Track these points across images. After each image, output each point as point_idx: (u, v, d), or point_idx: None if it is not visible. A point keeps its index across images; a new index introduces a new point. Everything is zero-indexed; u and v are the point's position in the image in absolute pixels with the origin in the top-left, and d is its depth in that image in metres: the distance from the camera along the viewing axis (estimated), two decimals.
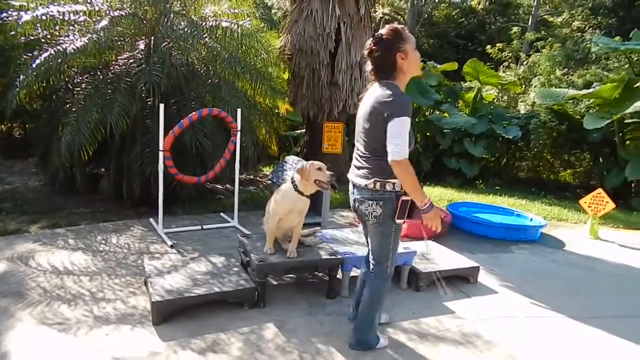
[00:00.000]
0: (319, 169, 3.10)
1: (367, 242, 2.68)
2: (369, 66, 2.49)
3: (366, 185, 2.45)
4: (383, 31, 2.43)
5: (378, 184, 2.41)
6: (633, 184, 8.74)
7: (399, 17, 22.05)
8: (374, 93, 2.43)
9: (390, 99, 2.31)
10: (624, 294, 3.93)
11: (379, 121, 2.34)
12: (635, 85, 8.22)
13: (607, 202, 5.63)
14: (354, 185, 2.57)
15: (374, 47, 2.41)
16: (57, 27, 4.90)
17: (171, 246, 4.19)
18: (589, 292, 3.91)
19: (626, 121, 9.23)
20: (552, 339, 3.04)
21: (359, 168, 2.54)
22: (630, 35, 9.17)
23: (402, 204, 2.42)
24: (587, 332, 3.17)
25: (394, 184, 2.40)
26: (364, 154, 2.49)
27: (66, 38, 4.79)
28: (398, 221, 2.47)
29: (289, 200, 3.18)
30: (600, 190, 5.80)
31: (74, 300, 3.10)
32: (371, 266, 2.64)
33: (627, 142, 9.51)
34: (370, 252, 2.65)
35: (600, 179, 9.56)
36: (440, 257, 3.97)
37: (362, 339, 2.69)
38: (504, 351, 2.83)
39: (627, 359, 2.87)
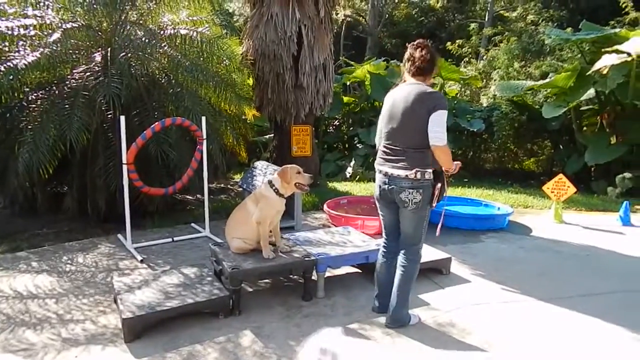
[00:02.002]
0: (298, 172, 3.36)
1: (395, 229, 2.99)
2: (410, 66, 2.84)
3: (407, 175, 2.75)
4: (426, 43, 2.87)
5: (419, 173, 2.73)
6: (592, 168, 9.12)
7: (361, 18, 22.32)
8: (409, 91, 2.76)
9: (433, 94, 2.73)
10: (588, 273, 4.09)
11: (422, 115, 2.68)
12: (587, 74, 8.59)
13: (568, 186, 5.85)
14: (390, 176, 2.83)
15: (426, 53, 2.81)
16: (7, 43, 4.70)
17: (141, 261, 4.08)
18: (556, 274, 4.06)
19: (582, 108, 9.66)
20: (525, 322, 3.13)
21: (396, 161, 2.81)
22: (580, 26, 9.59)
23: (439, 190, 2.80)
24: (557, 313, 3.28)
25: (430, 172, 2.77)
26: (403, 147, 2.79)
27: (17, 53, 4.61)
28: (433, 205, 2.84)
29: (273, 204, 3.34)
30: (561, 175, 6.03)
31: (40, 324, 2.97)
32: (403, 249, 2.94)
33: (584, 128, 9.94)
34: (404, 237, 2.95)
35: (561, 165, 9.94)
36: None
37: (398, 317, 2.96)
38: (480, 338, 2.89)
39: (594, 335, 2.99)
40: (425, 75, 2.85)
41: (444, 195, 2.88)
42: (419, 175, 2.73)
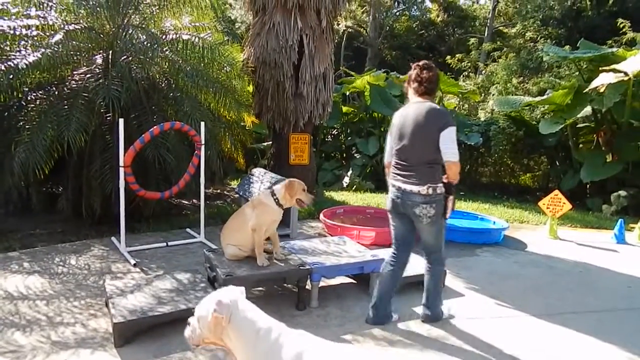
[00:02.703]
0: (304, 189, 3.41)
1: (404, 240, 3.15)
2: (417, 86, 2.97)
3: (419, 191, 2.87)
4: (431, 64, 3.03)
5: (430, 189, 2.86)
6: (588, 185, 9.16)
7: (362, 29, 22.52)
8: (418, 110, 2.90)
9: (442, 111, 2.93)
10: (582, 290, 4.09)
11: (432, 132, 2.82)
12: (584, 91, 8.67)
13: (564, 203, 5.88)
14: (403, 192, 2.95)
15: (433, 75, 2.97)
16: (8, 42, 4.70)
17: (134, 265, 4.05)
18: (550, 290, 4.05)
19: (578, 125, 9.73)
20: (517, 338, 3.12)
21: (408, 176, 2.94)
22: (578, 45, 9.71)
23: (451, 202, 2.95)
24: (549, 329, 3.28)
25: (441, 187, 2.90)
26: (415, 163, 2.92)
27: (18, 53, 4.61)
28: (447, 216, 2.98)
29: (271, 212, 3.36)
30: (557, 192, 6.06)
31: (29, 326, 2.94)
32: (427, 258, 3.16)
33: (580, 145, 10.01)
34: (425, 248, 3.14)
35: (557, 182, 9.99)
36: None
37: (434, 314, 3.21)
38: (472, 352, 2.88)
39: (586, 353, 2.98)
40: (432, 94, 3.03)
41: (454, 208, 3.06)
42: (430, 191, 2.86)
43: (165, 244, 4.64)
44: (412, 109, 2.95)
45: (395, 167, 3.04)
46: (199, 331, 1.77)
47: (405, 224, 3.09)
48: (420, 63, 3.03)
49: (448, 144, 2.81)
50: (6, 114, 5.13)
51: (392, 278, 3.16)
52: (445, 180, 2.95)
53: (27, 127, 4.58)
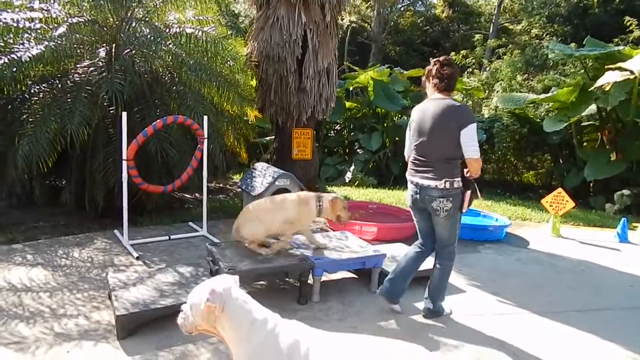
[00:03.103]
0: (344, 207, 3.51)
1: (428, 234, 3.18)
2: (438, 82, 2.98)
3: (436, 185, 2.91)
4: (451, 60, 3.04)
5: (448, 183, 2.90)
6: (591, 184, 9.14)
7: (366, 24, 22.42)
8: (438, 107, 2.91)
9: (462, 108, 2.92)
10: (583, 288, 4.08)
11: (452, 129, 2.84)
12: (589, 89, 8.63)
13: (567, 201, 5.86)
14: (421, 187, 3.00)
15: (451, 70, 2.97)
16: (11, 35, 4.70)
17: (137, 258, 4.07)
18: (551, 288, 4.05)
19: (583, 124, 9.70)
20: (518, 335, 3.12)
21: (425, 172, 2.98)
22: (584, 42, 9.64)
23: (468, 197, 2.98)
24: (551, 327, 3.27)
25: (459, 181, 2.94)
26: (434, 159, 2.94)
27: (21, 46, 4.60)
28: (463, 211, 3.02)
29: (311, 217, 3.54)
30: (560, 190, 6.04)
31: (33, 317, 2.96)
32: (439, 251, 3.15)
33: (585, 143, 9.98)
34: (439, 240, 3.13)
35: (560, 179, 9.96)
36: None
37: (434, 309, 3.21)
38: (473, 349, 2.88)
39: (588, 351, 2.98)
40: (451, 90, 3.04)
41: (474, 199, 3.13)
42: (447, 185, 2.90)
43: (167, 237, 4.65)
44: (432, 105, 2.96)
45: (413, 163, 3.07)
46: (191, 319, 1.77)
47: (425, 219, 3.14)
48: (441, 59, 3.03)
49: (469, 141, 2.84)
50: (10, 106, 5.14)
51: (418, 257, 3.23)
52: (466, 175, 3.00)
53: (30, 120, 4.58)
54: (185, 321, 1.80)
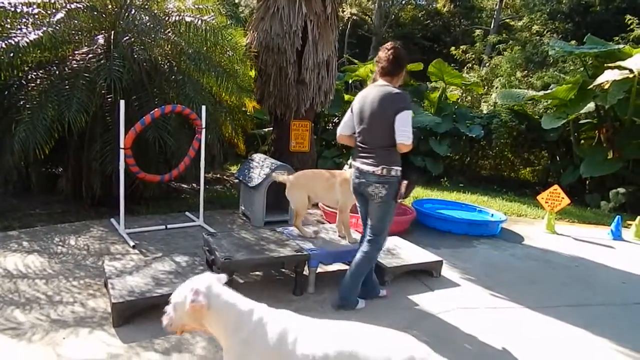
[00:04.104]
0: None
1: (366, 220, 3.15)
2: (379, 67, 2.99)
3: (374, 171, 2.93)
4: (393, 44, 3.03)
5: (385, 170, 2.91)
6: (587, 181, 9.17)
7: (367, 17, 22.29)
8: (376, 94, 2.92)
9: (398, 95, 2.88)
10: (576, 284, 4.12)
11: (389, 116, 2.85)
12: (589, 87, 8.62)
13: (562, 198, 5.89)
14: (361, 172, 3.02)
15: (391, 54, 2.94)
16: (9, 20, 4.65)
17: (133, 246, 4.07)
18: (545, 283, 4.09)
19: (581, 121, 9.70)
20: (511, 329, 3.15)
21: (366, 157, 3.00)
22: (584, 40, 9.62)
23: (404, 186, 2.95)
24: (543, 321, 3.31)
25: (397, 169, 2.93)
26: (373, 145, 2.96)
27: (19, 31, 4.56)
28: (398, 200, 3.00)
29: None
30: (556, 186, 6.06)
31: (29, 304, 2.97)
32: (368, 238, 3.12)
33: (582, 141, 9.99)
34: (369, 227, 3.12)
35: (557, 176, 9.99)
36: (405, 252, 4.04)
37: (346, 297, 3.15)
38: (466, 342, 2.91)
39: (580, 346, 3.02)
40: (392, 75, 3.00)
41: (411, 192, 3.10)
42: (384, 172, 2.92)
43: (164, 226, 4.65)
44: (372, 92, 2.98)
45: (357, 149, 3.09)
46: (177, 319, 1.77)
47: (365, 204, 3.14)
48: (388, 44, 3.05)
49: (401, 126, 2.84)
50: (6, 92, 5.10)
51: None
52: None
53: (27, 106, 4.55)
54: (170, 321, 1.80)
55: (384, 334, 1.74)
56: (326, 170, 3.93)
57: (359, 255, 3.13)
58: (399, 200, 3.02)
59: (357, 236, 3.77)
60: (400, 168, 2.96)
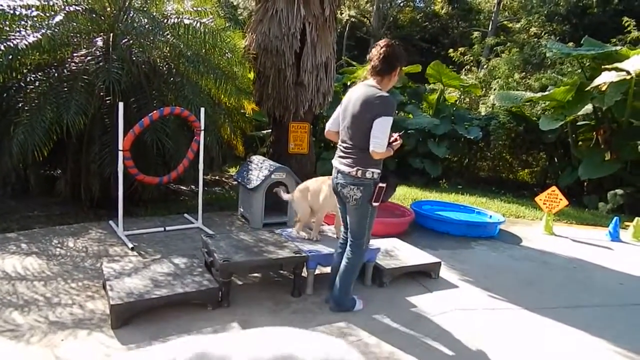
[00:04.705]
0: None
1: (346, 222, 3.11)
2: (370, 65, 2.89)
3: (349, 172, 2.87)
4: (386, 41, 2.91)
5: (360, 171, 2.84)
6: (585, 183, 9.20)
7: (365, 19, 22.34)
8: (361, 93, 2.83)
9: (381, 99, 2.75)
10: (574, 285, 4.13)
11: (367, 119, 2.75)
12: (586, 89, 8.65)
13: (560, 199, 5.91)
14: (338, 171, 2.96)
15: (383, 52, 2.82)
16: (7, 22, 4.65)
17: (132, 248, 4.07)
18: (543, 284, 4.10)
19: (579, 123, 9.74)
20: (509, 330, 3.16)
21: (344, 158, 2.94)
22: (582, 42, 9.66)
23: (379, 189, 2.87)
24: (541, 322, 3.32)
25: (372, 172, 2.85)
26: (350, 146, 2.89)
27: (17, 33, 4.56)
28: (374, 204, 2.91)
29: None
30: (554, 188, 6.08)
31: (27, 306, 2.96)
32: (349, 242, 3.07)
33: (580, 142, 10.03)
34: (349, 231, 3.07)
35: (555, 178, 10.01)
36: (403, 254, 4.05)
37: (339, 302, 3.14)
38: (465, 343, 2.92)
39: (577, 347, 3.03)
40: (382, 75, 2.86)
41: (390, 197, 3.02)
42: (359, 174, 2.84)
43: (162, 228, 4.65)
44: (358, 91, 2.88)
45: (338, 148, 3.02)
46: None
47: (344, 206, 3.10)
48: (381, 41, 2.93)
49: (377, 132, 2.71)
50: (5, 94, 5.09)
51: (343, 252, 3.17)
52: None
53: (26, 108, 4.55)
54: None
55: (317, 338, 1.72)
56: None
57: (344, 263, 3.07)
58: (375, 204, 2.92)
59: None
60: (377, 171, 2.87)
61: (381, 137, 2.72)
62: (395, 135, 2.98)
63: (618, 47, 9.04)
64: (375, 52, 2.86)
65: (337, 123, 3.07)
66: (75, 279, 3.41)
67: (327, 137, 3.22)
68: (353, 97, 2.89)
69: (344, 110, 2.95)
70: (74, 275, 3.47)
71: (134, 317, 2.81)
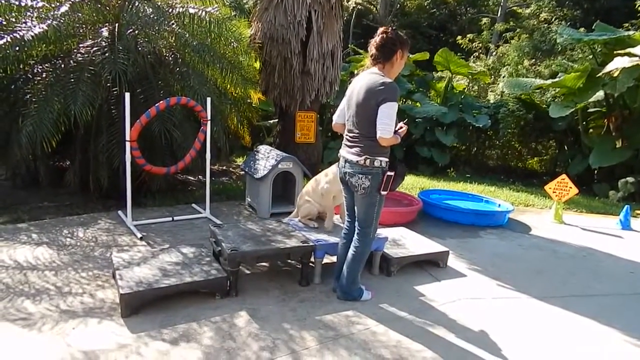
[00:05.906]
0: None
1: (353, 211, 3.11)
2: (371, 53, 2.88)
3: (357, 161, 2.86)
4: (390, 29, 2.89)
5: (368, 160, 2.83)
6: (596, 171, 9.09)
7: (372, 6, 22.07)
8: (365, 82, 2.82)
9: (384, 86, 2.73)
10: (584, 274, 4.10)
11: (372, 106, 2.75)
12: (597, 75, 8.51)
13: (570, 187, 5.84)
14: (346, 161, 2.96)
15: (381, 39, 2.82)
16: (14, 14, 4.66)
17: (140, 238, 4.10)
18: (552, 273, 4.07)
19: (589, 110, 9.59)
20: (518, 319, 3.15)
21: (351, 147, 2.93)
22: (594, 27, 9.47)
23: (387, 178, 2.86)
24: (550, 311, 3.30)
25: (381, 160, 2.84)
26: (357, 134, 2.88)
27: (23, 25, 4.57)
28: (383, 193, 2.90)
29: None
30: (564, 176, 6.01)
31: (39, 295, 3.01)
32: (356, 231, 3.06)
33: (590, 130, 9.89)
34: (356, 219, 3.06)
35: (565, 166, 9.90)
36: (411, 243, 4.04)
37: (347, 291, 3.15)
38: (472, 331, 2.92)
39: (587, 336, 3.01)
40: (383, 62, 2.86)
41: (398, 185, 3.02)
42: (367, 162, 2.83)
43: (171, 218, 4.68)
44: (362, 79, 2.87)
45: (345, 138, 3.02)
46: None
47: (351, 195, 3.11)
48: (382, 28, 2.90)
49: (383, 118, 2.71)
50: (13, 86, 5.13)
51: (345, 248, 3.18)
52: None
53: (33, 100, 4.57)
54: None
55: None
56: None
57: (351, 251, 3.07)
58: (384, 193, 2.92)
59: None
60: (385, 159, 2.86)
61: (388, 123, 2.71)
62: (401, 123, 2.96)
63: (631, 32, 8.85)
64: (373, 41, 2.87)
65: (344, 115, 3.06)
66: (85, 269, 3.45)
67: (335, 130, 3.20)
68: (357, 86, 2.89)
69: (349, 99, 2.96)
70: (84, 265, 3.51)
71: (143, 306, 2.84)
